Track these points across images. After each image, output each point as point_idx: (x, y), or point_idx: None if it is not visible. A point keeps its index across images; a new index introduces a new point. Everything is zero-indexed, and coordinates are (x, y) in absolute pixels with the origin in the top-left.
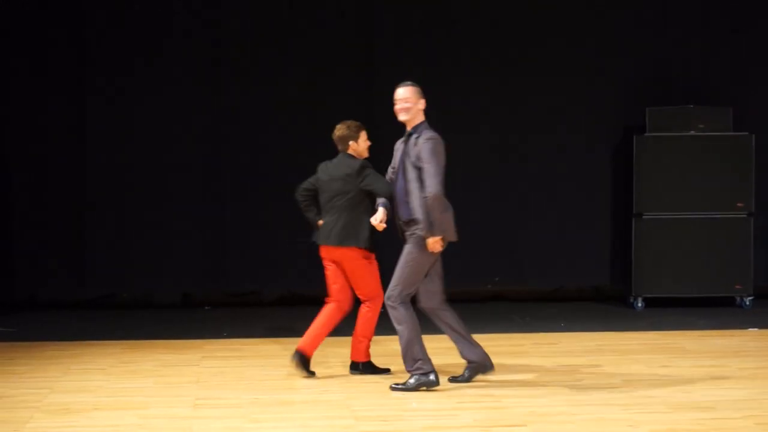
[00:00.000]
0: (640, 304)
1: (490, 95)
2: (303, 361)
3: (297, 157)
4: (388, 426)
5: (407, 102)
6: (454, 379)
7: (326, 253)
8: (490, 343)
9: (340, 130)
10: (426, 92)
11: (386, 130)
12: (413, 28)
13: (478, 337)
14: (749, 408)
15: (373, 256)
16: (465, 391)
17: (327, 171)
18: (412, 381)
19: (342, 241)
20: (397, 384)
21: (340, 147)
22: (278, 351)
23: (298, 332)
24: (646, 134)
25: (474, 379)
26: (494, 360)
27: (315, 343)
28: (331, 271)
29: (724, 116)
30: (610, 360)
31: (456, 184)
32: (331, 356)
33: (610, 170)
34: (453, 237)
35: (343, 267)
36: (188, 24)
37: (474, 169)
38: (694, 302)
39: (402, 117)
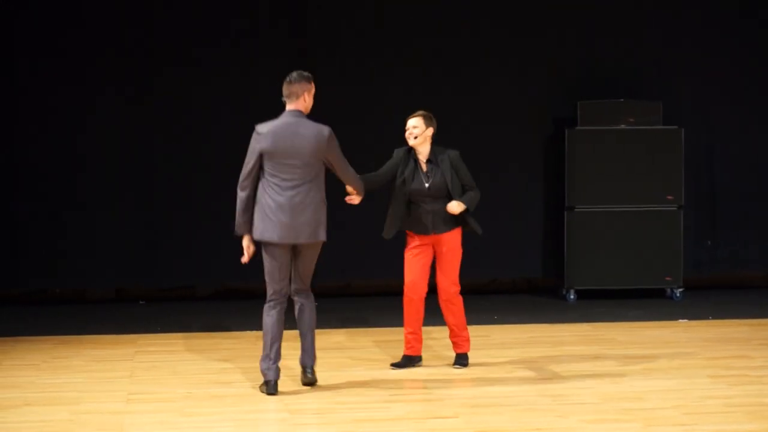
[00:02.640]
0: (572, 296)
1: (422, 88)
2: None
3: (229, 152)
4: (322, 419)
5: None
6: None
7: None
8: (425, 336)
9: None
10: (359, 87)
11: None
12: (344, 23)
13: None
14: (677, 398)
15: None
16: (397, 383)
17: None
18: None
19: None
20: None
21: None
22: (212, 345)
23: (232, 327)
24: (578, 127)
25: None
26: (428, 353)
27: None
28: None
29: (655, 110)
30: (542, 352)
31: None
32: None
33: (542, 163)
34: None
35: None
36: (114, 14)
37: None
38: (626, 294)
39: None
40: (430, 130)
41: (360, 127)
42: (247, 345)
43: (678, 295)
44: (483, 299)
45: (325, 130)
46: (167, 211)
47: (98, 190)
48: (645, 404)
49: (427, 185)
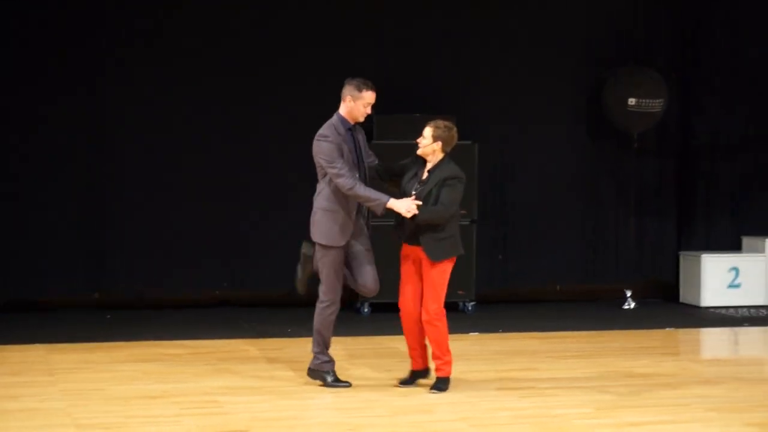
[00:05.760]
0: (366, 309)
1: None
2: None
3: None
4: None
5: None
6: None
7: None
8: (216, 348)
9: None
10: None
11: None
12: None
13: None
14: (464, 411)
15: None
16: (188, 397)
17: None
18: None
19: None
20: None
21: None
22: (1, 359)
23: (24, 339)
24: (374, 141)
25: None
26: (219, 366)
27: None
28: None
29: None
30: (335, 365)
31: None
32: (54, 363)
33: None
34: None
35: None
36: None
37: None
38: None
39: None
40: (438, 144)
41: None
42: (37, 358)
43: (470, 308)
44: (280, 312)
45: (320, 131)
46: None
47: None
48: (434, 416)
49: (414, 192)
